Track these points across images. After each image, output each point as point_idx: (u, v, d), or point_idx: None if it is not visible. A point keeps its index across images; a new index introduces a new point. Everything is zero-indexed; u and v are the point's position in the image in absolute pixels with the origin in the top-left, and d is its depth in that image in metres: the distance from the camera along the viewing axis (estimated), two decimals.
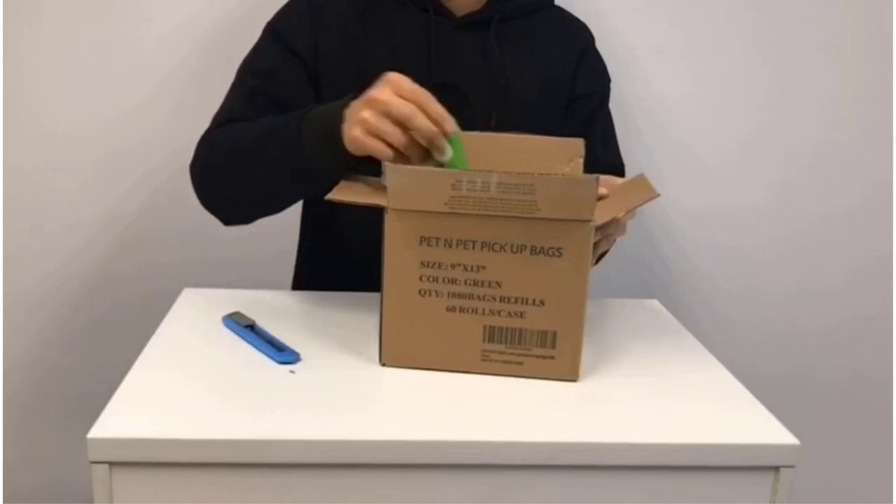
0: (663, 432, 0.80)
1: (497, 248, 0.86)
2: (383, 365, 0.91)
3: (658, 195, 0.91)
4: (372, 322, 1.03)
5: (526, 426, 0.81)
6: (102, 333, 1.52)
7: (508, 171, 0.85)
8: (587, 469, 0.79)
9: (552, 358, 0.88)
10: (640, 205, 0.92)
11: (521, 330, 0.88)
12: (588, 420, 0.82)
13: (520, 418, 0.82)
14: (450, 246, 0.87)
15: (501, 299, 0.87)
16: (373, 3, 1.16)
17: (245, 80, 1.14)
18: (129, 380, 0.85)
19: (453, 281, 0.88)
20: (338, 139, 0.91)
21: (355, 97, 0.91)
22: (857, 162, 1.55)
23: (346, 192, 0.90)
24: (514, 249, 0.86)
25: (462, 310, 0.88)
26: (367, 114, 0.87)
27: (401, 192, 0.86)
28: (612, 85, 1.28)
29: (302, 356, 0.92)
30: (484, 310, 0.88)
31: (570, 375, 0.89)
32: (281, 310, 1.06)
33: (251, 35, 1.18)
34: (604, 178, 0.92)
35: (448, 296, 0.88)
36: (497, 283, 0.87)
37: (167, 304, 1.06)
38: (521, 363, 0.89)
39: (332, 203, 0.90)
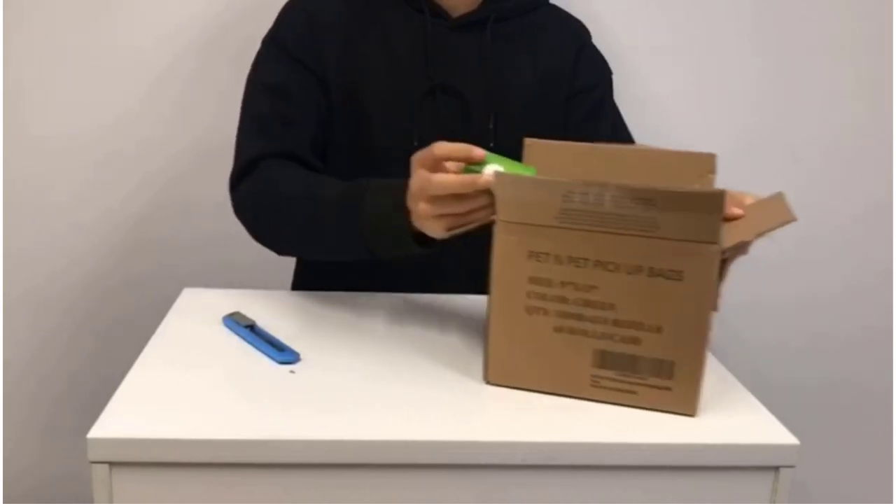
0: (663, 432, 0.80)
1: (611, 267, 0.80)
2: (488, 383, 0.88)
3: (795, 219, 0.81)
4: (371, 322, 1.03)
5: (526, 426, 0.81)
6: (102, 333, 1.52)
7: (624, 184, 0.78)
8: (587, 469, 0.79)
9: (668, 389, 0.82)
10: (774, 229, 0.82)
11: (634, 357, 0.82)
12: (588, 420, 0.82)
13: (520, 418, 0.82)
14: (560, 262, 0.82)
15: (614, 323, 0.82)
16: (367, 6, 1.15)
17: (258, 101, 1.13)
18: (129, 380, 0.85)
19: (563, 300, 0.82)
20: (410, 239, 0.91)
21: (400, 190, 0.90)
22: (857, 162, 1.55)
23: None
24: (630, 270, 0.80)
25: (571, 331, 0.83)
26: (421, 206, 0.86)
27: (510, 203, 0.81)
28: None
29: (302, 356, 0.92)
30: (595, 333, 0.82)
31: (687, 410, 0.82)
32: (281, 310, 1.06)
33: (250, 34, 1.18)
34: (732, 193, 0.86)
35: (557, 315, 0.83)
36: (610, 305, 0.81)
37: (167, 304, 1.06)
38: (634, 392, 0.83)
39: None
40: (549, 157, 0.92)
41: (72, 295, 1.51)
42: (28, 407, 1.55)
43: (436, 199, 0.85)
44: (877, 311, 1.63)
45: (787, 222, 0.82)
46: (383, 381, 0.88)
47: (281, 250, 1.11)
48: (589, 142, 1.18)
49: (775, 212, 0.83)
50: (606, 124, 1.23)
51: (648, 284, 0.80)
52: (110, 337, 1.51)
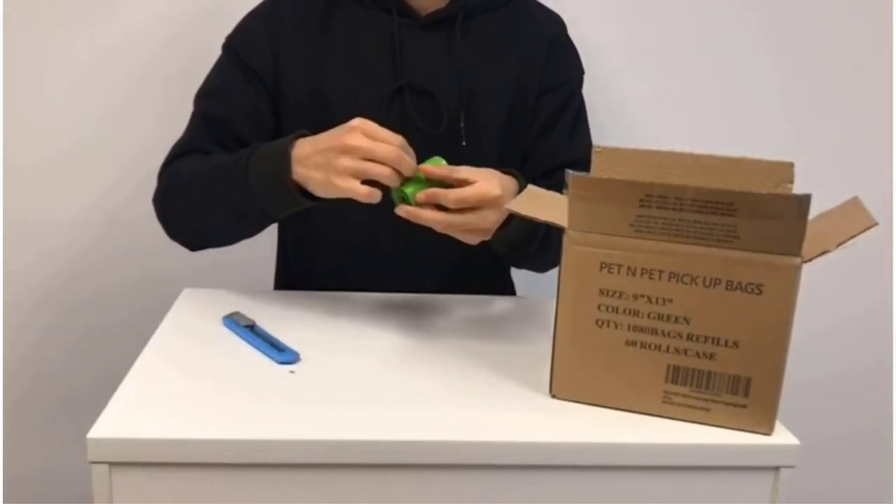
0: (663, 432, 0.80)
1: (687, 279, 0.78)
2: (553, 396, 0.86)
3: (876, 224, 0.77)
4: (371, 321, 1.03)
5: (526, 426, 0.81)
6: (102, 333, 1.52)
7: (705, 187, 0.75)
8: (587, 469, 0.79)
9: (744, 407, 0.80)
10: (856, 236, 0.77)
11: (709, 373, 0.80)
12: (589, 420, 0.82)
13: (521, 418, 0.82)
14: (633, 274, 0.79)
15: (689, 337, 0.79)
16: (333, 8, 1.14)
17: (201, 103, 1.15)
18: (129, 380, 0.85)
19: (635, 313, 0.80)
20: (288, 184, 0.95)
21: (298, 137, 0.96)
22: (856, 163, 1.55)
23: (522, 205, 0.85)
24: (707, 283, 0.77)
25: (643, 345, 0.81)
26: (346, 161, 0.90)
27: (581, 209, 0.79)
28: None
29: (302, 356, 0.92)
30: (668, 347, 0.80)
31: (764, 428, 0.80)
32: (281, 310, 1.06)
33: None
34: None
35: (628, 328, 0.81)
36: (685, 318, 0.79)
37: (167, 303, 1.06)
38: (707, 409, 0.81)
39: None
40: (618, 163, 0.89)
41: (71, 295, 1.51)
42: (28, 407, 1.55)
43: (363, 161, 0.90)
44: (877, 311, 1.63)
45: (869, 228, 0.77)
46: (383, 381, 0.88)
47: (189, 234, 1.11)
48: (541, 144, 1.17)
49: (855, 218, 0.79)
50: (566, 126, 1.19)
51: (726, 298, 0.77)
52: (110, 337, 1.51)
